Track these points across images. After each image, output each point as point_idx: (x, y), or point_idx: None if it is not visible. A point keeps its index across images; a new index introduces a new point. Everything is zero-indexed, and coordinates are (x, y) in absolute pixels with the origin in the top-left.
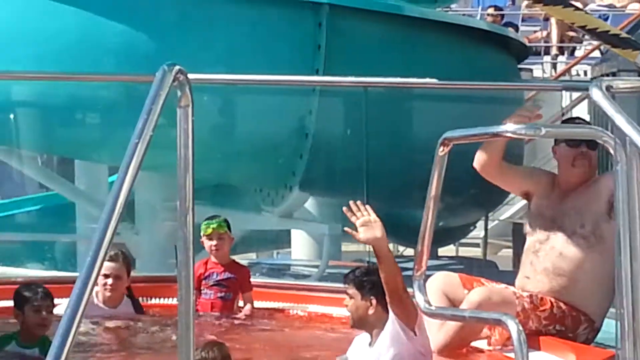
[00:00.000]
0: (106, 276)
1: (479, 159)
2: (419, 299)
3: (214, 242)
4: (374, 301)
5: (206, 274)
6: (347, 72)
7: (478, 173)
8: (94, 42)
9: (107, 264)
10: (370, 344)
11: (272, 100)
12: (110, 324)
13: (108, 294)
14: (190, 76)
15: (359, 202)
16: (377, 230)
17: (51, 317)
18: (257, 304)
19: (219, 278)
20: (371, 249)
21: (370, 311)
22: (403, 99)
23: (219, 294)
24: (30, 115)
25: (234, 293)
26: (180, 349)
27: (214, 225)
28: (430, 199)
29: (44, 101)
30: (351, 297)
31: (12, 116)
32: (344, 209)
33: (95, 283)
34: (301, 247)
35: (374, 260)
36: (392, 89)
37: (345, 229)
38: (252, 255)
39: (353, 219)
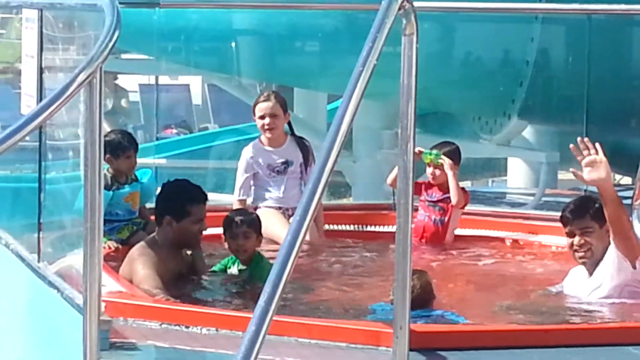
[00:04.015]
0: (262, 117)
1: None
2: (637, 228)
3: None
4: (596, 226)
5: (428, 191)
6: None
7: None
8: None
9: (260, 105)
10: (589, 275)
11: (494, 28)
12: (324, 246)
13: (268, 134)
14: (416, 4)
15: (586, 139)
16: (602, 170)
17: (248, 243)
18: (472, 232)
19: (436, 198)
20: None
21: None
22: (627, 26)
23: (433, 216)
24: (251, 44)
25: (448, 217)
26: (397, 276)
27: (431, 157)
28: None
29: (266, 30)
30: (588, 231)
31: (233, 45)
32: (571, 146)
33: (315, 210)
34: (517, 175)
35: (591, 188)
36: (616, 16)
37: (571, 170)
38: (468, 183)
39: (579, 157)
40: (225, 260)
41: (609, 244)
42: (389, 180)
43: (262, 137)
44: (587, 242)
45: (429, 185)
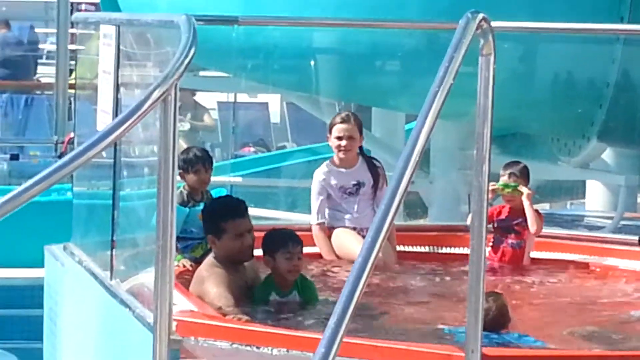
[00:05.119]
0: (339, 138)
1: None
2: None
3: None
4: None
5: (500, 216)
6: None
7: None
8: None
9: (338, 126)
10: None
11: (574, 49)
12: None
13: (342, 155)
14: (494, 24)
15: None
16: None
17: (301, 264)
18: (549, 254)
19: (512, 223)
20: None
21: None
22: None
23: (510, 241)
24: (330, 63)
25: (525, 240)
26: (469, 298)
27: (510, 190)
28: None
29: (345, 49)
30: None
31: (312, 63)
32: None
33: (387, 231)
34: (596, 198)
35: None
36: None
37: None
38: (546, 206)
39: None
40: (261, 287)
41: None
42: (469, 220)
43: (335, 158)
44: None
45: (502, 211)
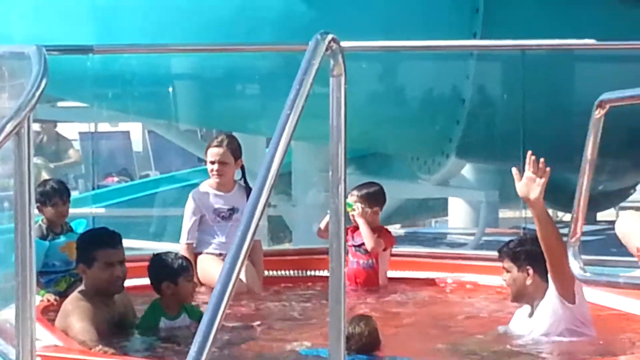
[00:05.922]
0: (212, 162)
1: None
2: (573, 265)
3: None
4: (530, 271)
5: (353, 235)
6: (505, 35)
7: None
8: (251, 12)
9: (211, 150)
10: (529, 315)
11: (428, 66)
12: (257, 301)
13: (216, 179)
14: (344, 44)
15: (542, 160)
16: (535, 191)
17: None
18: (413, 274)
19: (360, 242)
20: (528, 216)
21: (528, 281)
22: (561, 61)
23: (361, 261)
24: (188, 89)
25: (375, 259)
26: (331, 323)
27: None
28: (585, 163)
29: (202, 74)
30: (507, 271)
31: (170, 90)
32: (513, 169)
33: (245, 255)
34: (458, 215)
35: (531, 227)
36: (550, 51)
37: (514, 168)
38: (410, 225)
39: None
40: (150, 313)
41: (527, 287)
42: (323, 223)
43: (211, 181)
44: (506, 280)
45: (354, 229)
